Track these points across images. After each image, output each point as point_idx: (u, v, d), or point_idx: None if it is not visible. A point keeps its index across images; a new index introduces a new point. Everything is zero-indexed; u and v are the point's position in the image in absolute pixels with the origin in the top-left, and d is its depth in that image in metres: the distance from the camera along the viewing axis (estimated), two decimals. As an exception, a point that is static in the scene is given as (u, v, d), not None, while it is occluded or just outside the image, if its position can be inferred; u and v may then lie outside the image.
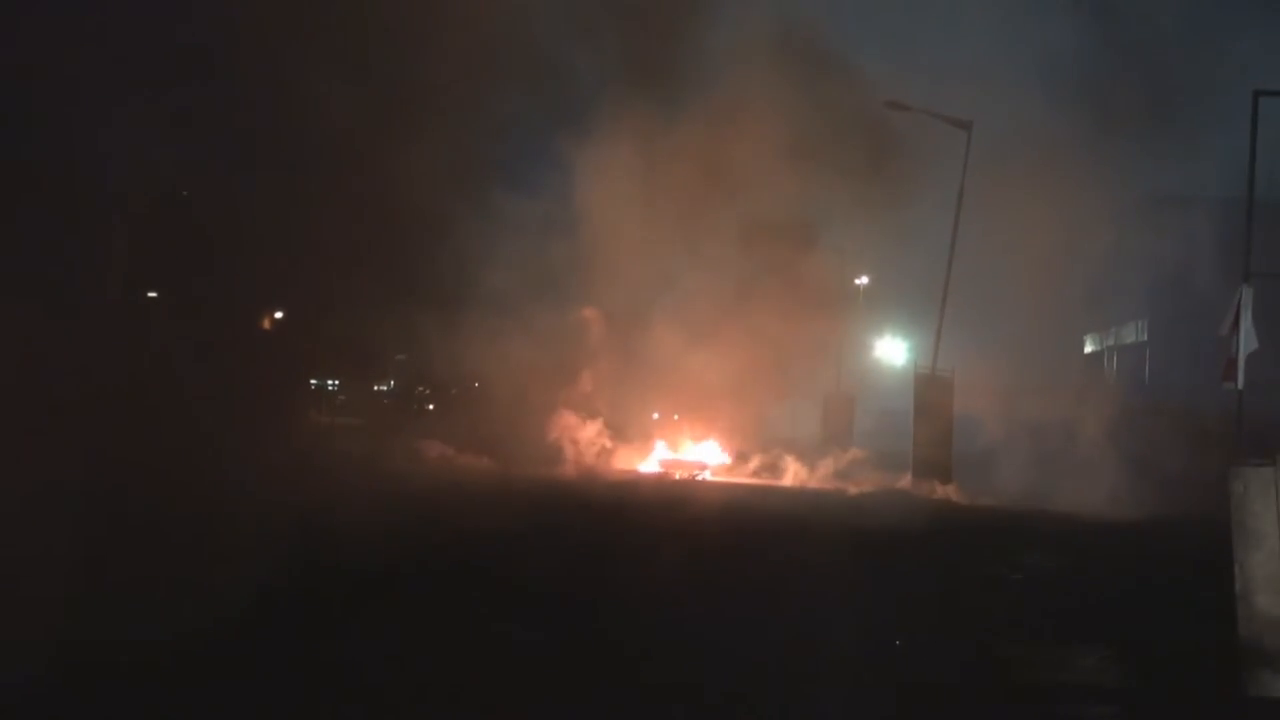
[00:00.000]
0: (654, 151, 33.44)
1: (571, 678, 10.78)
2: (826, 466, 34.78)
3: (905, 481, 33.34)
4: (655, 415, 36.22)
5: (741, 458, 34.99)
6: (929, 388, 33.75)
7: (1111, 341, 51.88)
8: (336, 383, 33.75)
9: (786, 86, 33.54)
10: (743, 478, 33.30)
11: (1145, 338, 47.49)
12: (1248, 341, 20.29)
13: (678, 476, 32.28)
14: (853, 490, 31.63)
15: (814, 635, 12.87)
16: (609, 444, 33.86)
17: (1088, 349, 54.30)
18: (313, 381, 32.72)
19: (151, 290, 26.55)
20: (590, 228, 33.69)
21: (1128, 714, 10.81)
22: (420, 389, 36.61)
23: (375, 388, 34.87)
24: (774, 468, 34.29)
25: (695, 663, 11.32)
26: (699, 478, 32.94)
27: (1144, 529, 25.48)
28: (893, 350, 43.92)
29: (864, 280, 39.47)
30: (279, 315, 30.27)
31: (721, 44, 34.44)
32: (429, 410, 36.35)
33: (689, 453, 34.42)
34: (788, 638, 12.66)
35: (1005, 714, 10.67)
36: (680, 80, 33.96)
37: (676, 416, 35.81)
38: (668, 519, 22.52)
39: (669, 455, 34.18)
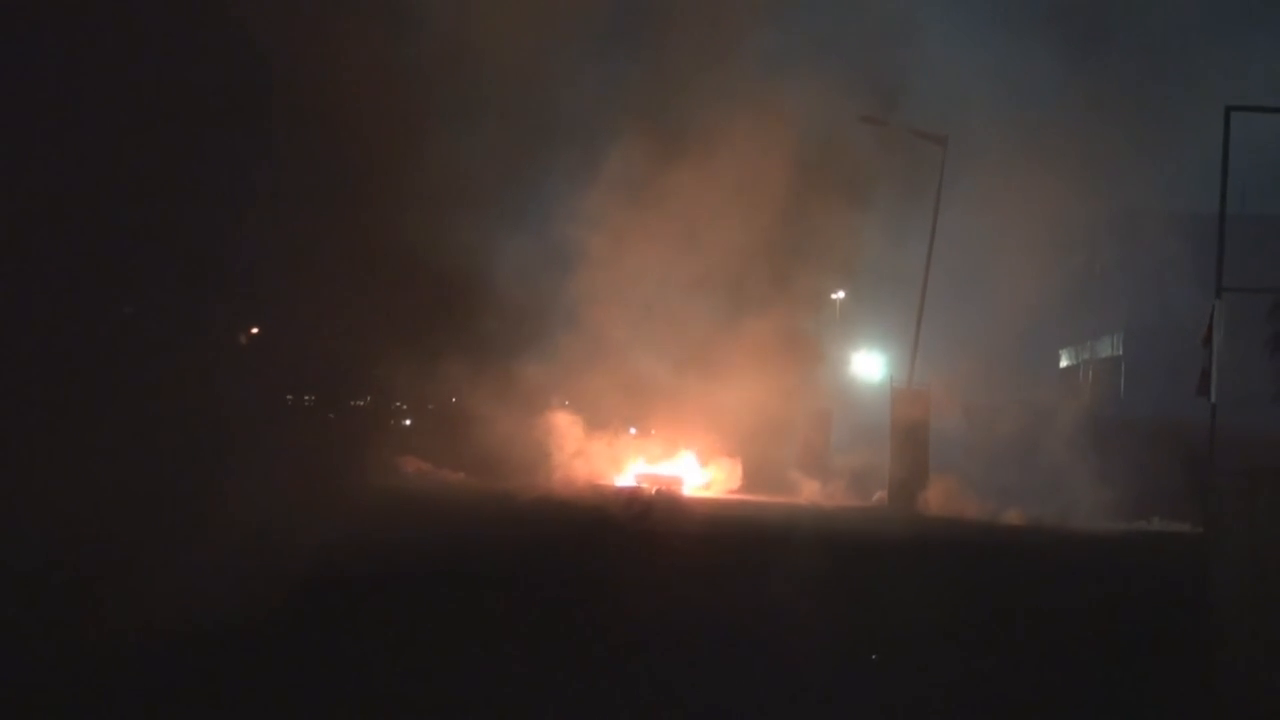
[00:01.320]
0: (635, 176, 33.65)
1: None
2: (837, 481, 35.17)
3: (881, 496, 33.62)
4: (633, 430, 36.32)
5: (728, 472, 35.04)
6: (905, 403, 33.89)
7: (1087, 355, 51.97)
8: (312, 398, 33.79)
9: (765, 104, 33.69)
10: (723, 493, 33.29)
11: (1120, 352, 47.44)
12: (1220, 355, 20.34)
13: (654, 490, 32.20)
14: (827, 506, 31.74)
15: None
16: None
17: (1063, 363, 54.58)
18: (288, 396, 32.88)
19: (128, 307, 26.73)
20: (570, 250, 33.87)
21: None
22: (397, 404, 36.66)
23: (352, 403, 34.84)
24: (778, 484, 34.32)
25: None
26: (673, 491, 32.87)
27: (1117, 541, 25.83)
28: (869, 364, 43.91)
29: (840, 295, 39.35)
30: (255, 331, 30.50)
31: (702, 66, 34.24)
32: (405, 426, 36.47)
33: (665, 467, 34.46)
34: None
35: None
36: (660, 103, 33.99)
37: (654, 431, 35.94)
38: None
39: (645, 469, 34.14)
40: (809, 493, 33.79)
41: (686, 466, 34.66)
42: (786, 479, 34.65)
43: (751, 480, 34.55)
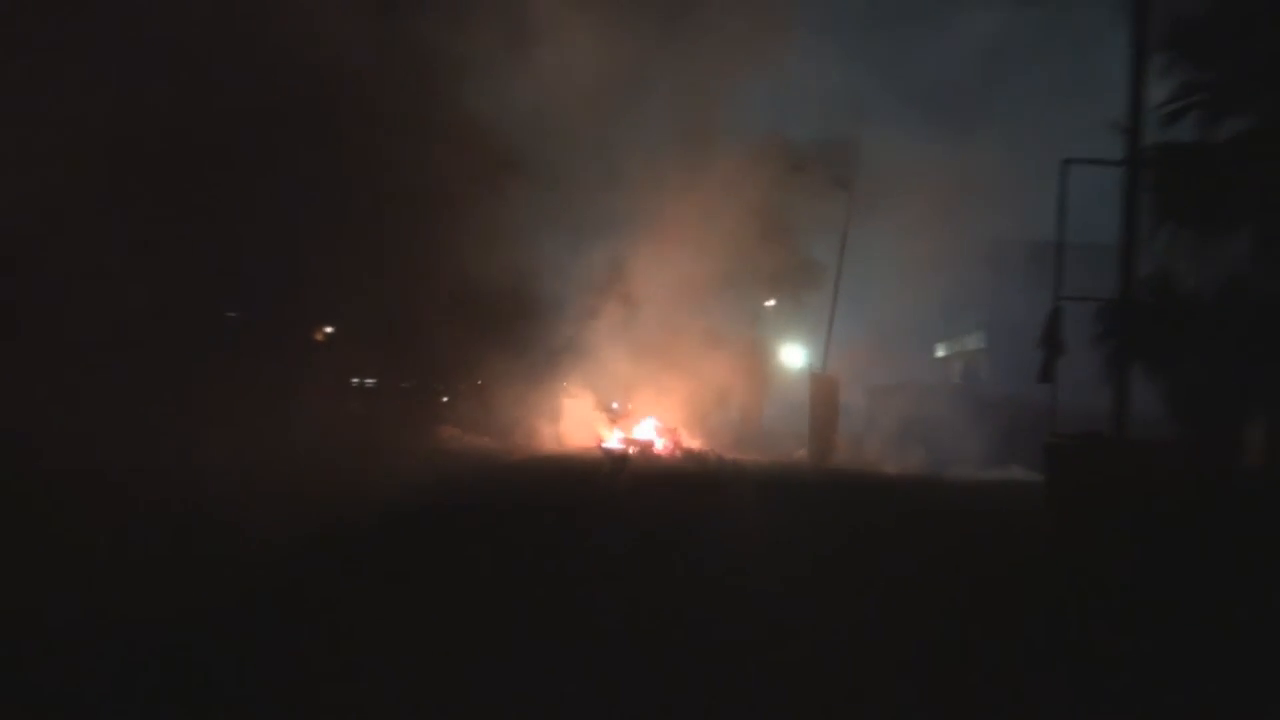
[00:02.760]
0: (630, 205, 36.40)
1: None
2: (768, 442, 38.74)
3: (801, 454, 38.09)
4: (615, 404, 40.14)
5: (688, 437, 38.08)
6: (820, 384, 38.16)
7: (958, 348, 54.28)
8: (372, 380, 35.23)
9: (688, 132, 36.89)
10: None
11: (984, 345, 49.64)
12: (1059, 349, 22.76)
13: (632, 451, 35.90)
14: (763, 461, 35.29)
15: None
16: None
17: (939, 354, 57.21)
18: (354, 380, 34.61)
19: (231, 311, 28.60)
20: (577, 264, 37.52)
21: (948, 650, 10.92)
22: (438, 385, 38.29)
23: (401, 384, 36.28)
24: (726, 446, 36.80)
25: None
26: (648, 451, 36.33)
27: (980, 485, 28.66)
28: (792, 355, 46.76)
29: (772, 303, 42.60)
30: (329, 330, 32.43)
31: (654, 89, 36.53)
32: (443, 402, 38.21)
33: (640, 433, 38.39)
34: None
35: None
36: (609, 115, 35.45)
37: (631, 406, 39.75)
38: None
39: (626, 435, 38.13)
40: (747, 451, 37.14)
41: (657, 433, 38.38)
42: (731, 442, 38.00)
43: (707, 444, 37.53)
